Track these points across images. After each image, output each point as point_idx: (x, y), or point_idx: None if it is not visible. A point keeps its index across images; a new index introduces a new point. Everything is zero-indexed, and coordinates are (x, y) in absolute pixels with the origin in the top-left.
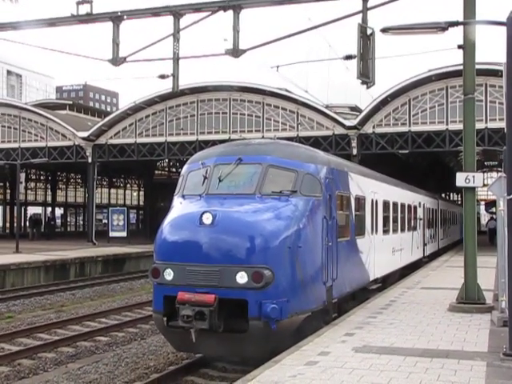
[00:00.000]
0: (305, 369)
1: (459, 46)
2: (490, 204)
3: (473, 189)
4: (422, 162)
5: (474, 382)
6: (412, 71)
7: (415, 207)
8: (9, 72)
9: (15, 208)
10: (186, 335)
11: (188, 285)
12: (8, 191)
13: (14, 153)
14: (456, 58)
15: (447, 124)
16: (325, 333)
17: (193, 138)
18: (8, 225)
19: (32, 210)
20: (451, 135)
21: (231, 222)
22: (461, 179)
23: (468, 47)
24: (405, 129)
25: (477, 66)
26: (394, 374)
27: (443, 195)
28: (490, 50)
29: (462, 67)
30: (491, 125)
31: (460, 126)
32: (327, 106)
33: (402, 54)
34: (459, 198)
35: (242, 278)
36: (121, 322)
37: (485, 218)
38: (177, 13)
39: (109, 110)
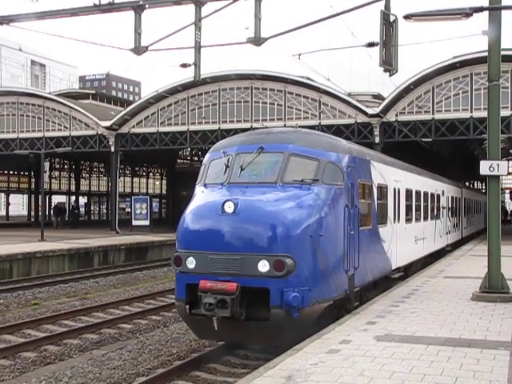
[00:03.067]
0: (326, 357)
1: (484, 32)
2: None
3: (497, 177)
4: (446, 150)
5: (497, 371)
6: (436, 58)
7: (438, 196)
8: (33, 62)
9: (40, 197)
10: (208, 323)
11: (210, 273)
12: (33, 180)
13: (39, 142)
14: (481, 45)
15: (471, 111)
16: (346, 321)
17: (215, 126)
18: (33, 213)
19: (56, 199)
20: (475, 123)
21: (253, 210)
22: (485, 167)
23: (493, 33)
24: (428, 117)
25: (502, 53)
26: (415, 363)
27: (467, 184)
28: None
29: (486, 54)
30: None
31: (484, 114)
32: (349, 94)
33: (425, 41)
34: (483, 187)
35: (263, 266)
36: (144, 309)
37: (510, 206)
38: (198, 1)
39: (131, 99)
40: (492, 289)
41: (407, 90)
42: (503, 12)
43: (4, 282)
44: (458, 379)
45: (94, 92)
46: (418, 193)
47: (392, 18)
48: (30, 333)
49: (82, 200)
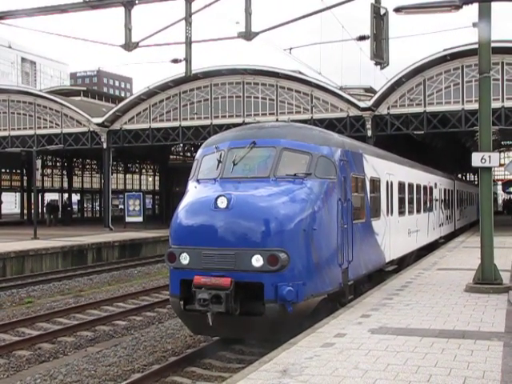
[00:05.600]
0: (321, 350)
1: (474, 24)
2: (508, 184)
3: (489, 169)
4: (438, 143)
5: (491, 362)
6: (427, 51)
7: (431, 188)
8: (23, 59)
9: (32, 195)
10: (202, 318)
11: (204, 269)
12: (25, 178)
13: (30, 140)
14: (472, 37)
15: (463, 104)
16: (341, 315)
17: (207, 122)
18: (26, 211)
19: (49, 197)
20: (467, 115)
21: (246, 205)
22: (477, 159)
23: (483, 25)
24: (420, 109)
25: (493, 44)
26: (410, 355)
27: (460, 176)
28: (506, 28)
29: (477, 46)
30: (508, 104)
31: (476, 106)
32: (341, 88)
33: (416, 34)
34: (476, 179)
35: (257, 261)
36: (138, 306)
37: (502, 197)
38: None
39: (123, 95)
40: (485, 280)
41: (399, 83)
42: (493, 4)
43: None
44: (452, 370)
45: (85, 89)
46: (410, 185)
47: (382, 11)
48: (24, 331)
49: (75, 197)
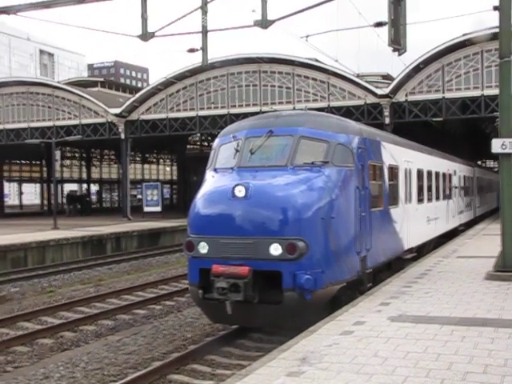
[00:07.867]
0: (340, 338)
1: (495, 8)
2: None
3: (509, 155)
4: (457, 130)
5: None
6: (446, 36)
7: (450, 175)
8: (41, 51)
9: (52, 185)
10: (221, 307)
11: (222, 257)
12: (44, 169)
13: (49, 131)
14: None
15: (483, 89)
16: (360, 303)
17: (224, 111)
18: (46, 202)
19: (68, 187)
20: (487, 101)
21: (264, 194)
22: (497, 146)
23: (504, 8)
24: (438, 96)
25: None
26: (430, 343)
27: (479, 162)
28: None
29: (497, 30)
30: None
31: (496, 91)
32: (358, 75)
33: (434, 19)
34: (496, 165)
35: (275, 249)
36: (157, 295)
37: None
38: None
39: (139, 85)
40: (506, 268)
41: (416, 70)
42: None
43: (19, 271)
44: (474, 358)
45: (102, 80)
46: (429, 173)
47: None
48: (46, 320)
49: (94, 188)
